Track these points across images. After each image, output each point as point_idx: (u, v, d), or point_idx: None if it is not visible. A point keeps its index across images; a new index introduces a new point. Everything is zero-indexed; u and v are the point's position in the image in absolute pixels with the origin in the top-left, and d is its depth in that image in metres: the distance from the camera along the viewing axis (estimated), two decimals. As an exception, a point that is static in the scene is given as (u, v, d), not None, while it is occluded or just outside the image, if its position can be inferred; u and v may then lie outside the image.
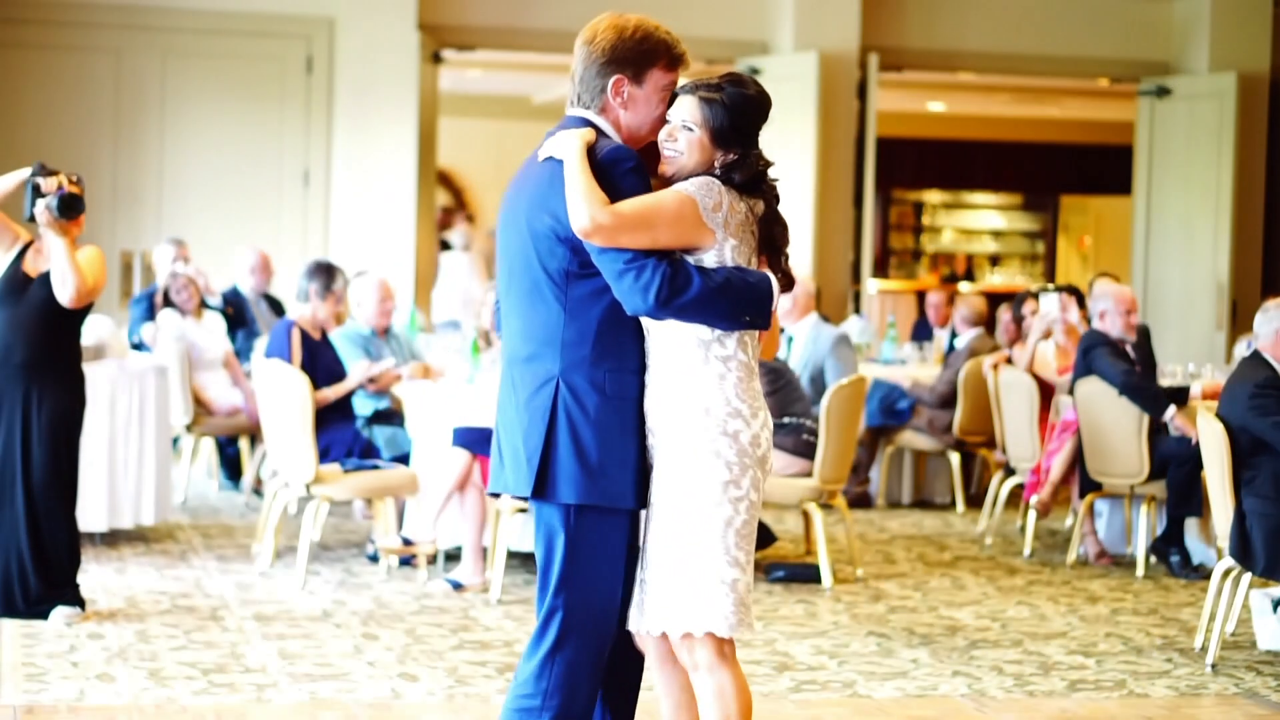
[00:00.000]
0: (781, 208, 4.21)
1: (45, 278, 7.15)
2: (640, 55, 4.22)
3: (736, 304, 4.04)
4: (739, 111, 4.08)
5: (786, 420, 8.63)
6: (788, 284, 4.14)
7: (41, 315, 7.16)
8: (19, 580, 7.17)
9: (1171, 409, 8.88)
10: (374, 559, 8.69)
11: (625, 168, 4.10)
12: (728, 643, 4.14)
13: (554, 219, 4.11)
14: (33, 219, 7.09)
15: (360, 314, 9.50)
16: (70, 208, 7.04)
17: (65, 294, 7.09)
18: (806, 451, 8.54)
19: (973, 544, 9.91)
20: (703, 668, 4.12)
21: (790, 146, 13.79)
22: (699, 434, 4.06)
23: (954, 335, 12.76)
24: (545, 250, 4.14)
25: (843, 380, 8.68)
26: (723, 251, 4.06)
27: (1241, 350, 9.33)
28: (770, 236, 4.13)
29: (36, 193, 7.05)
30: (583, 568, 4.14)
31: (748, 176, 4.08)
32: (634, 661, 4.38)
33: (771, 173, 4.19)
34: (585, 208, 4.00)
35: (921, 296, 20.24)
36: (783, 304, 9.61)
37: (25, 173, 7.15)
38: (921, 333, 14.41)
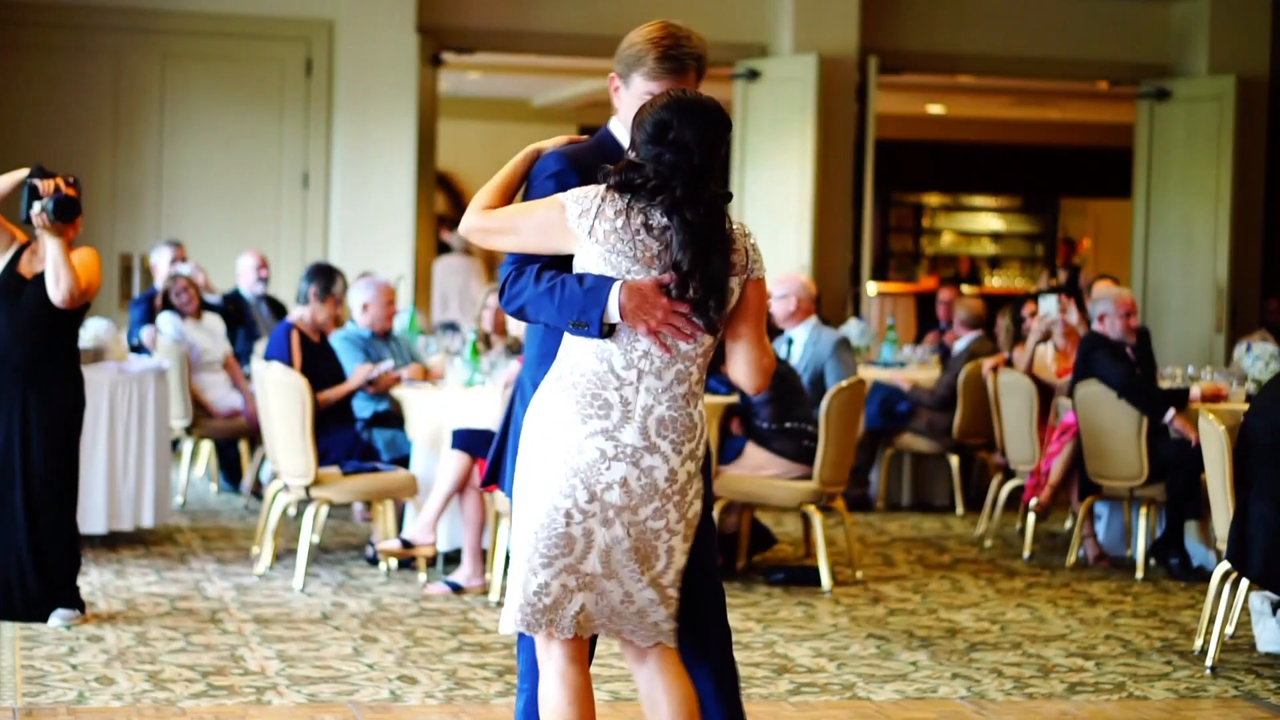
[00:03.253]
0: (697, 224, 4.02)
1: (40, 278, 7.14)
2: (628, 60, 4.29)
3: (561, 308, 4.05)
4: (638, 122, 4.09)
5: (788, 425, 8.62)
6: (697, 309, 4.00)
7: (37, 316, 7.15)
8: (18, 582, 7.16)
9: (1171, 411, 8.88)
10: (373, 561, 8.69)
11: (542, 176, 4.24)
12: (546, 646, 4.16)
13: None
14: (29, 221, 7.09)
15: (362, 316, 9.50)
16: (66, 210, 7.04)
17: (59, 294, 7.08)
18: (805, 457, 8.53)
19: (972, 546, 9.90)
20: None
21: (789, 149, 13.80)
22: (527, 434, 4.15)
23: (943, 335, 12.79)
24: None
25: (842, 383, 8.67)
26: (587, 257, 4.06)
27: (1241, 353, 9.32)
28: (684, 252, 4.01)
29: (33, 195, 7.05)
30: None
31: (624, 182, 4.03)
32: None
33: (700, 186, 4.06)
34: (468, 210, 4.21)
35: (920, 299, 20.26)
36: (781, 306, 9.69)
37: (22, 174, 7.16)
38: (929, 327, 14.40)
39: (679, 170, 4.01)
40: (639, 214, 4.02)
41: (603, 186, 4.07)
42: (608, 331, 4.02)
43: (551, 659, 4.14)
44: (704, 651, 4.32)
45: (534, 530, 4.07)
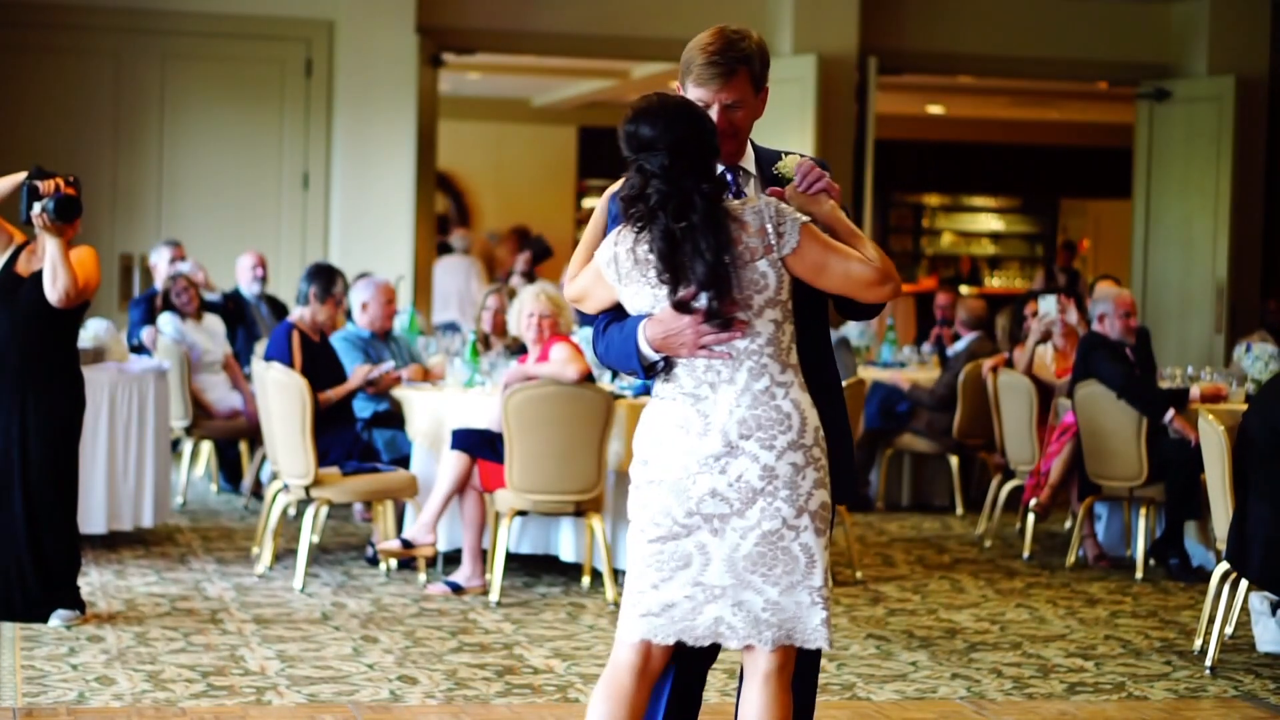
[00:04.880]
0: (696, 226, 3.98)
1: (37, 278, 7.14)
2: (682, 68, 4.28)
3: (618, 359, 4.15)
4: (620, 134, 4.09)
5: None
6: (715, 315, 3.97)
7: (35, 316, 7.15)
8: (18, 583, 7.16)
9: (1170, 412, 8.88)
10: (373, 561, 8.69)
11: (606, 220, 4.28)
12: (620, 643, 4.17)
13: None
14: (29, 221, 7.09)
15: (362, 316, 9.50)
16: (67, 210, 7.04)
17: (55, 294, 7.08)
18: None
19: (972, 547, 9.91)
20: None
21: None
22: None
23: (940, 339, 12.79)
24: None
25: (842, 383, 8.66)
26: (626, 300, 4.10)
27: (1241, 353, 9.33)
28: (670, 265, 3.98)
29: (33, 195, 7.05)
30: None
31: (627, 215, 4.03)
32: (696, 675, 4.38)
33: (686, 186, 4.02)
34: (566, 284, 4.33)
35: (920, 299, 20.24)
36: None
37: (21, 177, 7.15)
38: (929, 328, 14.38)
39: (653, 176, 3.99)
40: (644, 241, 4.02)
41: (615, 229, 4.09)
42: (664, 367, 4.06)
43: (617, 662, 4.10)
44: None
45: (646, 544, 4.06)
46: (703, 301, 3.97)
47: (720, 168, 4.26)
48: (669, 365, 4.06)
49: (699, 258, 3.95)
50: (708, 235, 3.97)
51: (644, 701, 4.12)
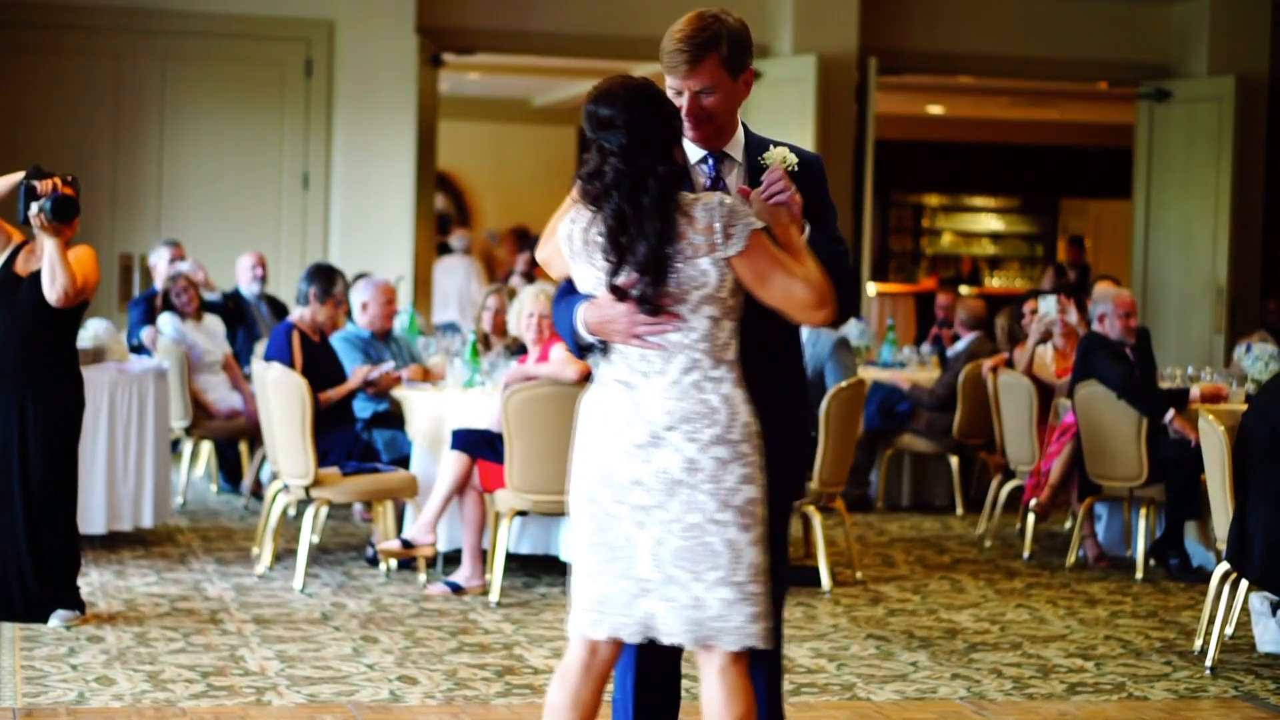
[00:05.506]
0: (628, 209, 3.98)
1: (35, 278, 7.14)
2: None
3: (563, 334, 4.20)
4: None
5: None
6: (647, 301, 3.97)
7: (33, 316, 7.15)
8: (18, 583, 7.16)
9: (1170, 412, 8.88)
10: (373, 562, 8.69)
11: None
12: (572, 641, 4.22)
13: None
14: (27, 221, 7.09)
15: (362, 315, 9.50)
16: (64, 210, 7.03)
17: (54, 294, 7.07)
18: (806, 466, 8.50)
19: (972, 547, 9.91)
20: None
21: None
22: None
23: (940, 339, 12.77)
24: None
25: (842, 383, 8.67)
26: (575, 278, 4.14)
27: (1241, 353, 9.32)
28: (615, 246, 3.99)
29: (31, 195, 7.05)
30: None
31: (583, 192, 4.04)
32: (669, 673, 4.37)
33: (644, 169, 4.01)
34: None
35: (920, 299, 20.25)
36: None
37: (20, 177, 7.15)
38: (929, 328, 14.39)
39: (611, 154, 3.99)
40: (596, 223, 4.03)
41: (575, 207, 4.10)
42: (602, 350, 4.07)
43: (569, 654, 4.14)
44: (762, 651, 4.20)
45: (584, 534, 4.08)
46: (639, 288, 3.98)
47: (703, 152, 4.25)
48: (606, 349, 4.08)
49: (642, 240, 3.95)
50: (654, 220, 3.96)
51: (593, 696, 4.13)
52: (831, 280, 4.07)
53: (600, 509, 4.05)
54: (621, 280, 3.98)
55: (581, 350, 4.13)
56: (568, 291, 4.18)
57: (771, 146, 4.29)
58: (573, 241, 4.08)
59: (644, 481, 4.01)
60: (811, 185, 4.26)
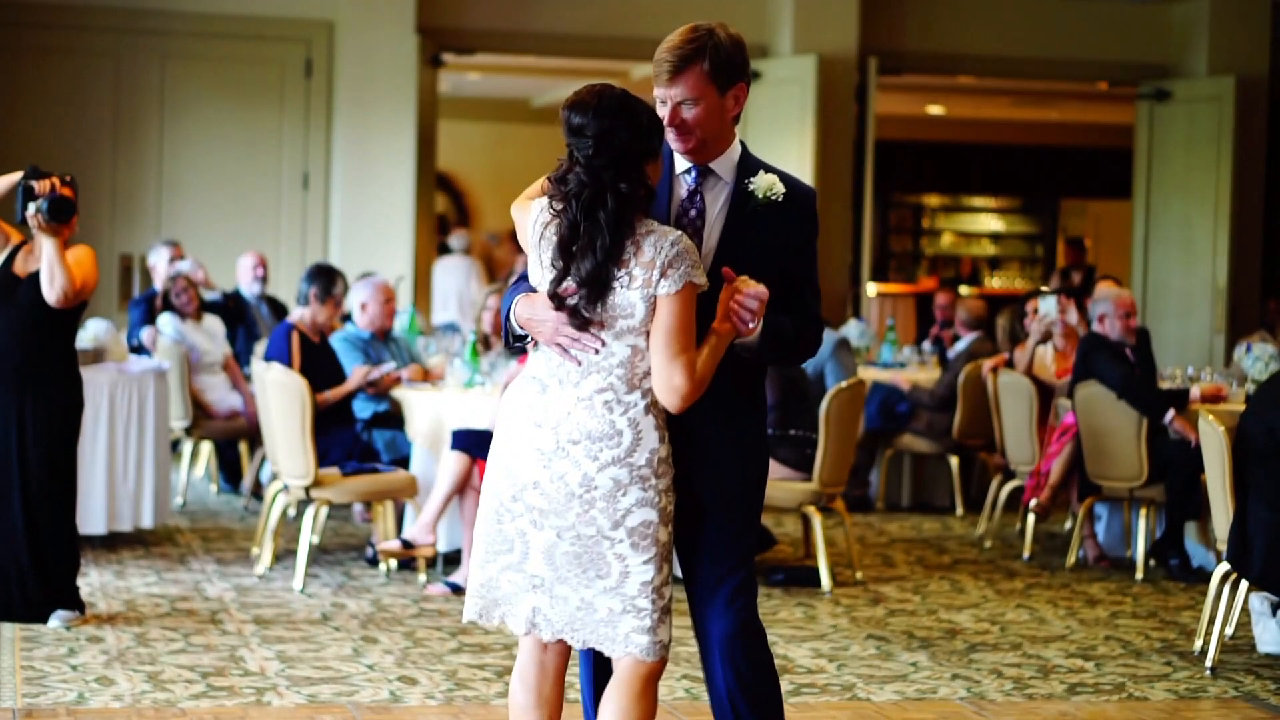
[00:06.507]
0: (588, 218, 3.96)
1: (34, 278, 7.13)
2: None
3: (502, 322, 4.21)
4: None
5: (791, 433, 8.59)
6: (576, 315, 3.97)
7: (32, 316, 7.14)
8: (18, 583, 7.16)
9: (1170, 412, 8.88)
10: (373, 562, 8.69)
11: None
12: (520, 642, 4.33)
13: None
14: (25, 222, 7.08)
15: (361, 316, 9.50)
16: (62, 210, 7.03)
17: (53, 293, 7.07)
18: (806, 467, 8.51)
19: (972, 547, 9.91)
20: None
21: (789, 150, 13.80)
22: None
23: (940, 340, 12.78)
24: None
25: (842, 383, 8.67)
26: (529, 266, 4.15)
27: (1241, 354, 9.32)
28: (564, 254, 3.98)
29: (29, 195, 7.05)
30: None
31: (553, 193, 4.03)
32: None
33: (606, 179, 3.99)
34: None
35: (920, 300, 20.25)
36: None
37: (18, 177, 7.15)
38: (929, 328, 14.39)
39: (577, 164, 3.99)
40: (558, 218, 4.03)
41: (546, 198, 4.09)
42: (532, 343, 4.12)
43: (520, 654, 4.23)
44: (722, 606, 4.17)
45: (483, 522, 4.16)
46: (575, 300, 3.98)
47: (687, 164, 4.20)
48: (535, 343, 4.12)
49: (590, 255, 3.95)
50: (605, 238, 3.95)
51: (554, 692, 4.22)
52: (799, 327, 4.16)
53: (499, 502, 4.12)
54: (562, 288, 4.00)
55: (510, 340, 4.18)
56: (521, 280, 4.23)
57: (761, 172, 4.18)
58: (533, 231, 4.11)
59: (542, 486, 4.06)
60: (798, 220, 4.18)
